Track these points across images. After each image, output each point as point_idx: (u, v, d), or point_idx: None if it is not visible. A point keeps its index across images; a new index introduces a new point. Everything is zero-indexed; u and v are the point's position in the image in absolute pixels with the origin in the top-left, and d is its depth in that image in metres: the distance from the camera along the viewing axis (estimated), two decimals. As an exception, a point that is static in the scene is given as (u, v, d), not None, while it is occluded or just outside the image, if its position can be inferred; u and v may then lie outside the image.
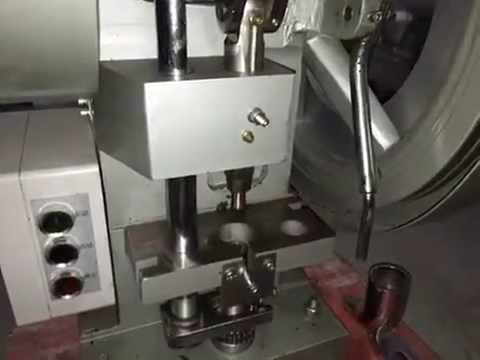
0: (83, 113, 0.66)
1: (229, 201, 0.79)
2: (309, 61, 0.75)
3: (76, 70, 0.43)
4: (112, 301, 0.74)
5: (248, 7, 0.51)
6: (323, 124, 1.02)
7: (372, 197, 0.64)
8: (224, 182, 0.76)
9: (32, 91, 0.45)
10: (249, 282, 0.67)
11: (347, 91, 0.71)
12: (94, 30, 0.40)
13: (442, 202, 0.66)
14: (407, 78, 0.75)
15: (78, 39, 0.40)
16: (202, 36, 0.62)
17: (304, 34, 0.70)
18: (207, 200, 0.77)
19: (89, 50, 0.41)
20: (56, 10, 0.37)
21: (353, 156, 0.66)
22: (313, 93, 1.02)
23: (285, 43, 0.66)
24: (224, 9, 0.52)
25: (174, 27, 0.50)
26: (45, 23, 0.37)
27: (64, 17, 0.38)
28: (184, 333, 0.74)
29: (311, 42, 0.73)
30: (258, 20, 0.52)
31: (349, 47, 0.74)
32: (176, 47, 0.51)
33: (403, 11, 0.95)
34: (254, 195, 0.79)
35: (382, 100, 0.76)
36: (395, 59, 1.05)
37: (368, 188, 0.63)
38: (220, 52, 0.59)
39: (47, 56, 0.40)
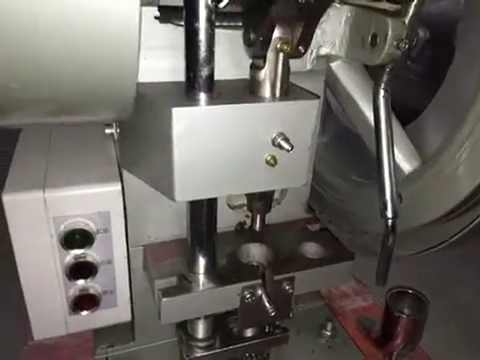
0: (107, 131, 0.67)
1: (248, 220, 0.79)
2: (331, 83, 0.75)
3: (112, 100, 0.44)
4: (128, 318, 0.74)
5: (276, 34, 0.52)
6: (342, 144, 1.02)
7: (394, 222, 0.63)
8: (243, 202, 0.76)
9: (64, 118, 0.45)
10: (267, 305, 0.66)
11: (369, 114, 0.71)
12: (135, 61, 0.40)
13: (465, 231, 0.65)
14: (431, 102, 0.74)
15: (118, 71, 0.40)
16: (227, 58, 0.63)
17: (328, 57, 0.70)
18: (226, 219, 0.77)
19: (128, 80, 0.42)
20: (97, 42, 0.38)
21: (371, 177, 0.65)
22: (332, 112, 1.02)
23: (309, 67, 0.66)
24: (252, 36, 0.53)
25: (203, 53, 0.51)
26: (84, 56, 0.38)
27: (105, 48, 0.38)
28: (200, 353, 0.74)
29: (334, 65, 0.73)
30: (285, 47, 0.52)
31: (370, 69, 0.74)
32: (204, 72, 0.52)
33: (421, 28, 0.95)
34: (272, 215, 0.79)
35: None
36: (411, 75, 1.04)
37: (390, 213, 0.63)
38: (244, 74, 0.59)
39: (84, 86, 0.40)
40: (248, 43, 0.54)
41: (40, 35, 0.35)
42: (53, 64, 0.37)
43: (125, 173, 0.67)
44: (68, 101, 0.40)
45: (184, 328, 0.76)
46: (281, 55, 0.53)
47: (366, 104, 0.73)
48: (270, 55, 0.53)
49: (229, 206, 0.77)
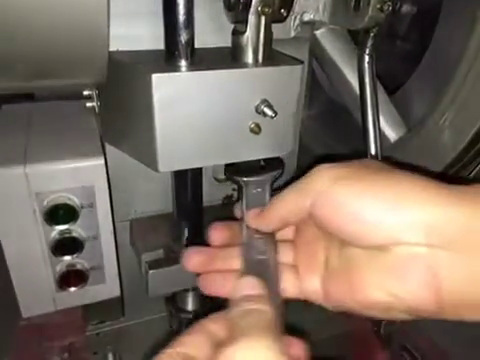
0: (88, 105, 0.66)
1: (235, 194, 0.79)
2: (317, 52, 0.74)
3: (85, 59, 0.42)
4: (117, 293, 0.74)
5: (256, -4, 0.50)
6: (329, 116, 1.01)
7: (379, 190, 0.63)
8: (230, 175, 0.76)
9: (38, 81, 0.44)
10: (255, 275, 0.66)
11: (355, 83, 0.71)
12: (105, 17, 0.39)
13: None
14: (415, 70, 0.74)
15: (88, 26, 0.39)
16: (208, 26, 0.61)
17: (312, 25, 0.69)
18: (213, 193, 0.76)
19: (99, 37, 0.40)
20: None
21: (359, 150, 0.65)
22: (318, 84, 1.01)
23: (293, 34, 0.65)
24: (232, -1, 0.51)
25: (181, 17, 0.49)
26: (54, 10, 0.37)
27: (74, 4, 0.37)
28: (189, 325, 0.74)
29: (318, 33, 0.72)
30: (267, 10, 0.51)
31: (355, 38, 0.73)
32: (183, 37, 0.50)
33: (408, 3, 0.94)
34: (260, 188, 0.78)
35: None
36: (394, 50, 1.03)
37: (375, 181, 0.63)
38: (226, 42, 0.58)
39: (55, 44, 0.39)
40: (228, 7, 0.53)
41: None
42: (22, 18, 0.35)
43: (108, 147, 0.66)
44: (39, 59, 0.39)
45: (173, 301, 0.77)
46: (263, 19, 0.52)
47: (351, 73, 0.72)
48: (251, 19, 0.52)
49: (216, 179, 0.77)
